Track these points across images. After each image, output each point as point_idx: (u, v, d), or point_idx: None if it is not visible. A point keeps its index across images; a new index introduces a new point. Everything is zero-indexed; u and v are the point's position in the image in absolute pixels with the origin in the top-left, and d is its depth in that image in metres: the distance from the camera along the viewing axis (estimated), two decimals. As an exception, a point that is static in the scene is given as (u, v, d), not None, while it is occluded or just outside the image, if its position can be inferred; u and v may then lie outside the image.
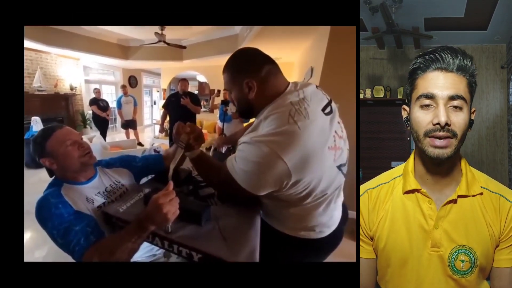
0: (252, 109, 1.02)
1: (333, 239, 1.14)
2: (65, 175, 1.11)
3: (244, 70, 0.99)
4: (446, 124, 0.72)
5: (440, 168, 0.80)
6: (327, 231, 1.10)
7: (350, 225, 1.24)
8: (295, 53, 5.24)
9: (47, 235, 0.96)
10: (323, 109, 0.98)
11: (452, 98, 0.73)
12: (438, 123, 0.72)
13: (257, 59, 1.01)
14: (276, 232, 1.09)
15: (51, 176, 1.15)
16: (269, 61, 1.02)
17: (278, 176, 0.87)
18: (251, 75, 0.97)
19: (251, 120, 1.10)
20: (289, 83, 1.03)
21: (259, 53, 1.03)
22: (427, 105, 0.75)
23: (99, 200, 1.12)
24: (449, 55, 0.74)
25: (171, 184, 0.84)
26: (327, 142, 0.93)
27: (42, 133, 1.10)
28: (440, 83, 0.74)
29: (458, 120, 0.73)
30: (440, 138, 0.73)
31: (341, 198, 1.14)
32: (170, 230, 0.91)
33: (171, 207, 0.81)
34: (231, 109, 4.14)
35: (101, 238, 0.95)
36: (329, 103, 1.02)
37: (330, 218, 1.11)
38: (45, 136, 1.08)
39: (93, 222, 1.00)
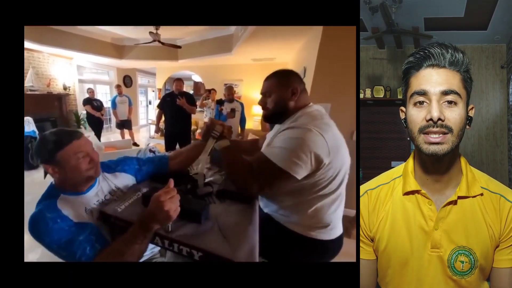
0: (286, 112, 1.19)
1: (338, 242, 1.23)
2: (64, 186, 1.03)
3: (292, 79, 1.22)
4: (439, 119, 0.72)
5: (439, 166, 0.79)
6: (335, 233, 1.20)
7: (344, 223, 1.29)
8: (288, 53, 5.27)
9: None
10: None
11: (445, 93, 0.73)
12: (431, 119, 0.72)
13: (299, 76, 1.26)
14: (288, 232, 1.15)
15: (45, 177, 1.07)
16: (303, 82, 1.26)
17: (319, 153, 1.02)
18: (297, 84, 1.20)
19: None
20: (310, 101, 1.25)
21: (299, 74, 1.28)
22: (421, 102, 0.75)
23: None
24: (439, 51, 0.74)
25: (171, 182, 0.86)
26: (343, 140, 1.14)
27: (56, 140, 0.98)
28: (432, 79, 0.74)
29: (453, 115, 0.73)
30: (434, 134, 0.73)
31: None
32: (170, 229, 0.92)
33: (173, 205, 0.83)
34: (226, 108, 4.11)
35: (106, 245, 0.92)
36: None
37: (339, 220, 1.22)
38: (60, 145, 0.97)
39: (96, 229, 0.98)
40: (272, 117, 1.24)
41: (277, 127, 1.25)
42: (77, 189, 1.04)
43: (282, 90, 1.19)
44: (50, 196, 1.00)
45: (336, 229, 1.20)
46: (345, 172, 1.16)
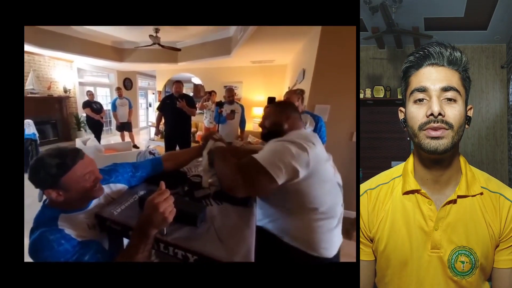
0: (280, 133, 1.31)
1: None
2: (65, 206, 0.96)
3: (288, 107, 1.40)
4: (440, 114, 0.72)
5: (439, 165, 0.79)
6: (327, 253, 1.21)
7: (345, 224, 1.29)
8: (287, 55, 5.28)
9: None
10: None
11: (445, 89, 0.73)
12: (432, 114, 0.72)
13: (294, 106, 1.47)
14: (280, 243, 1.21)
15: (40, 200, 1.00)
16: (298, 112, 1.44)
17: (297, 164, 1.08)
18: (290, 111, 1.37)
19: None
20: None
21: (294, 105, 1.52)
22: (421, 99, 0.75)
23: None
24: (438, 50, 0.75)
25: (163, 184, 0.85)
26: (329, 159, 1.25)
27: (60, 163, 0.89)
28: (432, 76, 0.75)
29: (453, 112, 0.73)
30: (435, 129, 0.73)
31: (340, 227, 1.28)
32: (165, 232, 0.90)
33: (168, 206, 0.82)
34: (226, 110, 4.11)
35: (112, 262, 0.89)
36: None
37: (331, 242, 1.23)
38: (65, 167, 0.90)
39: (101, 247, 0.95)
40: (268, 135, 1.36)
41: None
42: (79, 206, 0.99)
43: (278, 115, 1.37)
44: (48, 219, 0.93)
45: (328, 250, 1.22)
46: (331, 191, 1.22)
